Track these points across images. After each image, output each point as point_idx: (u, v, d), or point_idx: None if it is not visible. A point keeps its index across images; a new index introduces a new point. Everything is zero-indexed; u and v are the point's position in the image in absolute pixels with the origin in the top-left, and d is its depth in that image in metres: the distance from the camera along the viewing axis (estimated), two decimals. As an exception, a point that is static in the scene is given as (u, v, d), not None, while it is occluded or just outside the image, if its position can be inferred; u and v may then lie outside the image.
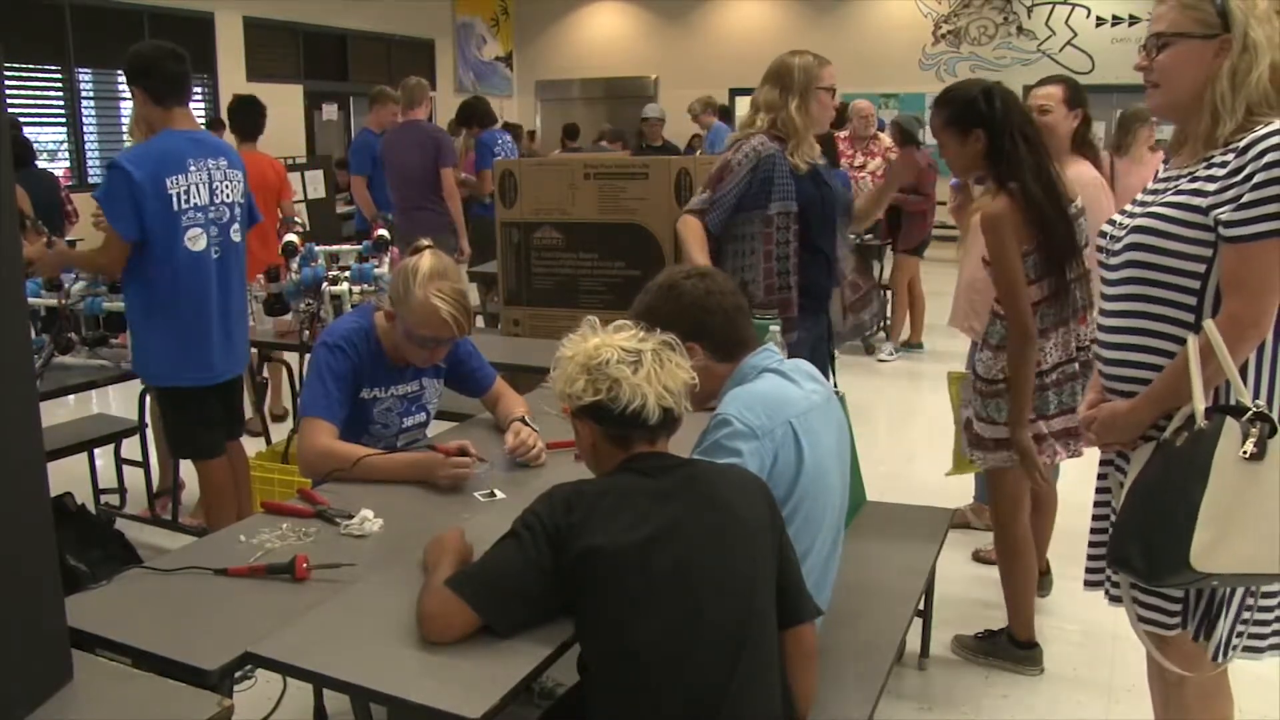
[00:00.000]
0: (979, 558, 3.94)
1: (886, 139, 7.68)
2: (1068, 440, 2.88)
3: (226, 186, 3.49)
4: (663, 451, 1.79)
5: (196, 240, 3.39)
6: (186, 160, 3.36)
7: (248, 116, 5.60)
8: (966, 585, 3.68)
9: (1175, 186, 1.90)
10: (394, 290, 2.57)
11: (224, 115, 6.01)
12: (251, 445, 4.44)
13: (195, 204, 3.38)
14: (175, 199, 3.33)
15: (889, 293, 7.62)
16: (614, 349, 1.76)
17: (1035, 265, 2.76)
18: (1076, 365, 2.86)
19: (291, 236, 4.28)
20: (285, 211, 5.64)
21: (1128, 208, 2.02)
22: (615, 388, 1.73)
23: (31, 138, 8.31)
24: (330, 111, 13.16)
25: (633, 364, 1.75)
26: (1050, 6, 13.36)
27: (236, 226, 3.54)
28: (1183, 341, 1.85)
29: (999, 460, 2.91)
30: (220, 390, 3.59)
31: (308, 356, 2.95)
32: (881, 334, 7.76)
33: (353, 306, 3.94)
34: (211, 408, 3.58)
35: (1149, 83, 1.94)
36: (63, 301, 3.90)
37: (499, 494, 2.42)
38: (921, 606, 3.02)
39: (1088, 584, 2.19)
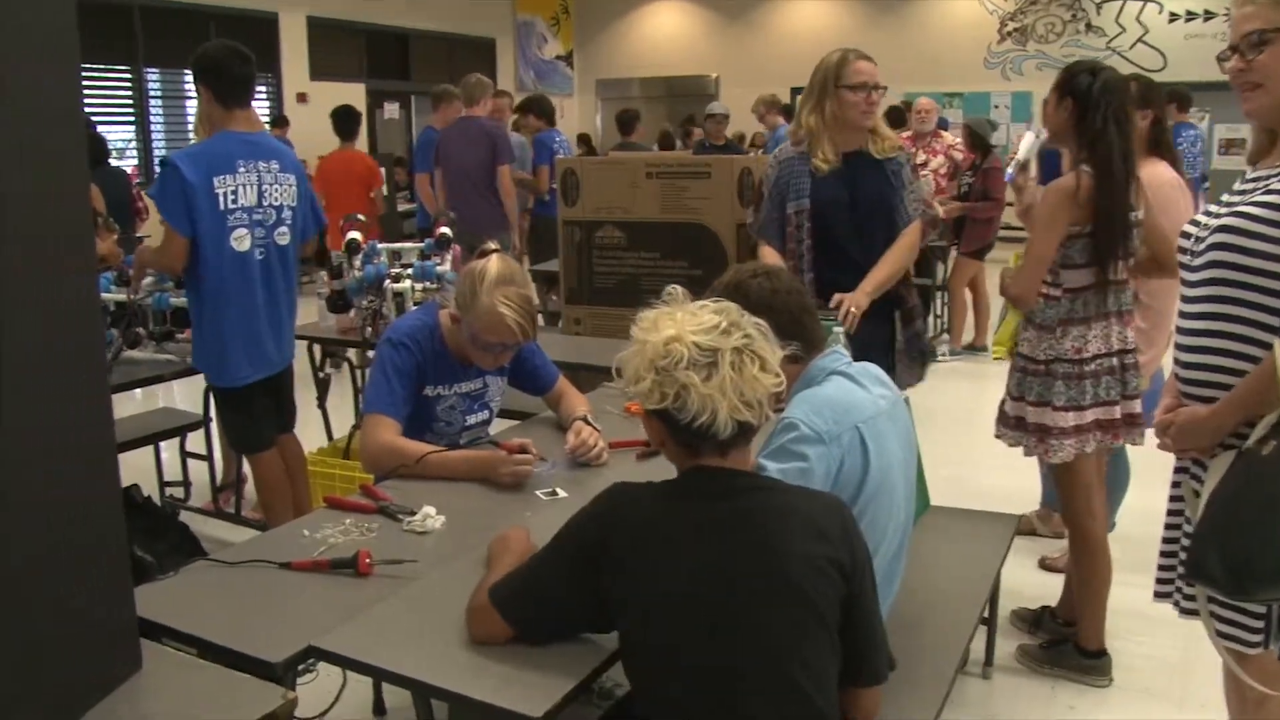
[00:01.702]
0: (1046, 565, 3.87)
1: (949, 137, 7.59)
2: (1102, 432, 2.87)
3: (276, 190, 3.52)
4: (731, 469, 1.65)
5: (241, 240, 3.43)
6: (236, 161, 3.40)
7: (345, 121, 7.36)
8: (1032, 594, 3.62)
9: (1265, 186, 1.85)
10: (460, 294, 2.58)
11: (287, 113, 6.30)
12: (312, 440, 4.51)
13: (242, 205, 3.42)
14: (222, 198, 3.37)
15: (945, 294, 7.56)
16: (687, 347, 1.59)
17: (1085, 250, 2.77)
18: (1115, 361, 2.84)
19: (354, 234, 4.31)
20: (376, 198, 6.43)
21: (1211, 208, 1.97)
22: (683, 395, 1.58)
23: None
24: (392, 110, 13.31)
25: (706, 367, 1.58)
26: (1120, 2, 13.09)
27: (284, 230, 3.56)
28: (1268, 345, 1.79)
29: (1018, 441, 2.93)
30: (267, 385, 3.63)
31: (369, 353, 2.98)
32: (944, 334, 7.67)
33: (415, 304, 3.98)
34: (258, 402, 3.62)
35: (1247, 84, 1.86)
36: (131, 296, 3.97)
37: (561, 493, 2.42)
38: (986, 614, 2.97)
39: (1157, 595, 2.14)
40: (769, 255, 3.34)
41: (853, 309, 3.14)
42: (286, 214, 3.57)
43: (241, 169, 3.41)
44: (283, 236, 3.56)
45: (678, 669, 1.56)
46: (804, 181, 3.30)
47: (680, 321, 1.63)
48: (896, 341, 3.40)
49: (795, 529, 1.58)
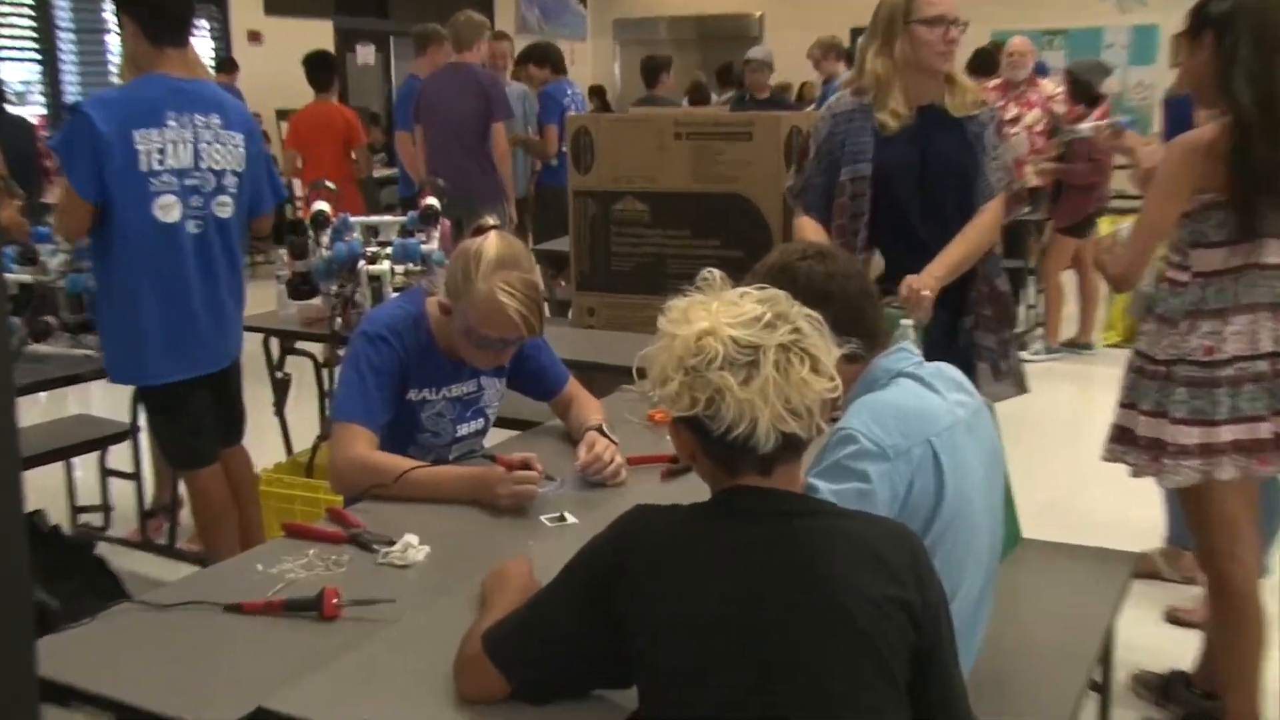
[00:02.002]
0: (1175, 618, 3.77)
1: (1049, 85, 7.53)
2: (1247, 456, 2.78)
3: (217, 150, 3.48)
4: (775, 489, 1.65)
5: (169, 210, 3.39)
6: (164, 113, 3.35)
7: (319, 69, 7.48)
8: (1158, 653, 3.55)
9: None
10: (451, 279, 2.59)
11: (236, 56, 6.33)
12: (268, 454, 4.54)
13: (170, 166, 3.38)
14: (144, 157, 3.31)
15: (1034, 280, 7.53)
16: (723, 342, 1.58)
17: (1223, 224, 2.70)
18: (1265, 365, 2.76)
19: (322, 204, 4.33)
20: (359, 157, 6.46)
21: None
22: (717, 401, 1.58)
23: (-3, 75, 8.33)
24: (366, 54, 13.38)
25: (745, 367, 1.57)
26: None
27: (226, 200, 3.53)
28: None
29: (1123, 456, 2.87)
30: (208, 385, 3.62)
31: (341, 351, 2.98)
32: (1039, 329, 7.64)
33: (396, 290, 4.01)
34: (196, 407, 3.62)
35: None
36: (39, 278, 3.96)
37: (570, 518, 2.43)
38: (1098, 677, 2.93)
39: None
40: (807, 229, 3.35)
41: (923, 291, 3.14)
42: (230, 180, 3.53)
43: (172, 123, 3.37)
44: (223, 208, 3.53)
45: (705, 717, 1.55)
46: (865, 141, 3.30)
47: (715, 312, 1.63)
48: (974, 346, 3.41)
49: (852, 558, 1.58)
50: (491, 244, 2.56)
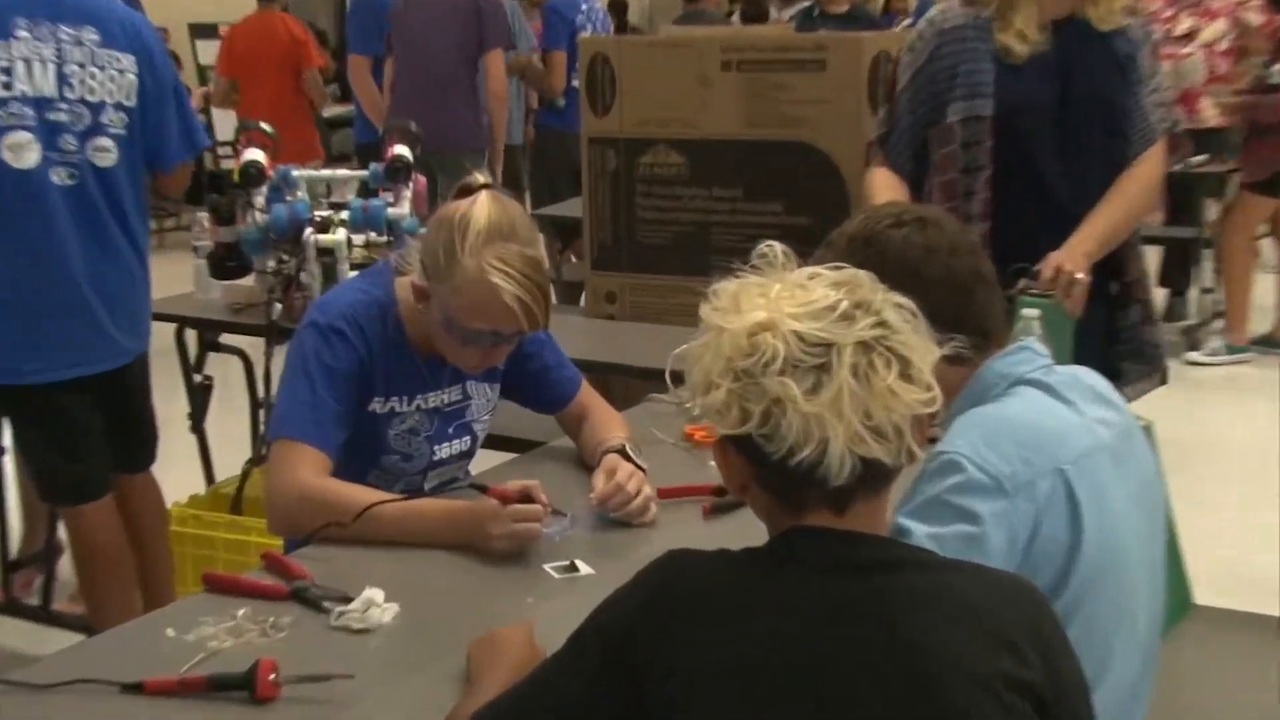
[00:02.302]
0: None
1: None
2: None
3: (93, 75, 3.47)
4: (851, 532, 1.63)
5: (21, 151, 3.39)
6: (11, 20, 3.35)
7: None
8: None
9: None
10: (429, 255, 2.59)
11: None
12: (182, 484, 4.53)
13: (22, 92, 3.37)
14: None
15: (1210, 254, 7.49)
16: (784, 339, 1.56)
17: None
18: None
19: (254, 152, 4.29)
20: (312, 86, 6.41)
21: None
22: (775, 415, 1.55)
23: None
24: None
25: (813, 371, 1.55)
26: None
27: (105, 143, 3.52)
28: None
29: None
30: (97, 390, 3.61)
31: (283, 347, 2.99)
32: (1216, 320, 7.58)
33: (355, 269, 3.99)
34: (80, 420, 3.60)
35: None
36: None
37: (583, 568, 2.42)
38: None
39: None
40: (880, 185, 3.33)
41: (1076, 274, 3.07)
42: (110, 116, 3.52)
43: (23, 33, 3.38)
44: (103, 154, 3.53)
45: None
46: (984, 71, 3.28)
47: (775, 299, 1.61)
48: (1126, 332, 3.42)
49: (952, 622, 1.55)
50: (482, 209, 2.54)
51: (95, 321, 3.55)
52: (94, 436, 3.66)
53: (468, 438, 2.86)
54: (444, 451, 2.81)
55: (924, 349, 1.62)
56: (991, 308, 2.13)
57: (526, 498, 2.48)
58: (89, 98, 3.48)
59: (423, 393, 2.74)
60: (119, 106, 3.54)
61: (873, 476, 1.59)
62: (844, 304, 1.60)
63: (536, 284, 2.53)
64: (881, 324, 1.60)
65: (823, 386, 1.54)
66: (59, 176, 3.45)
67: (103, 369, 3.60)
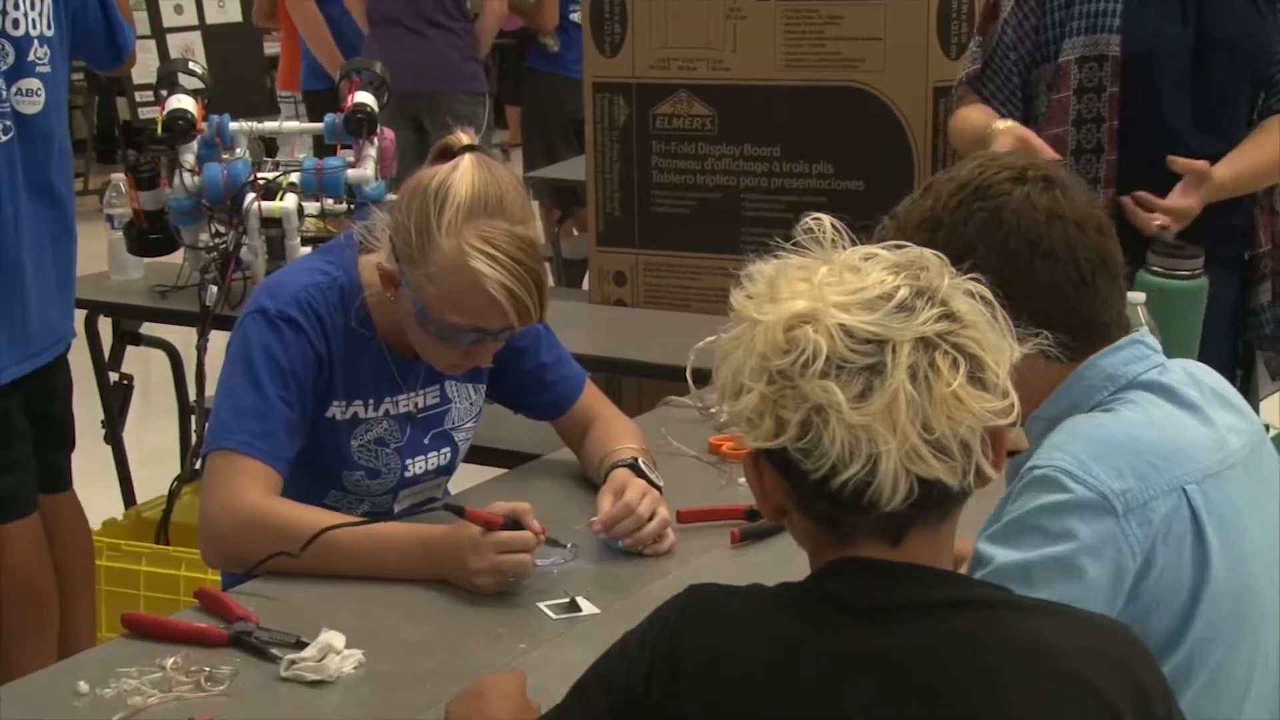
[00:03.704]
0: None
1: None
2: None
3: (14, 6, 3.34)
4: (911, 565, 1.57)
5: None
6: None
7: None
8: None
9: None
10: (400, 231, 2.50)
11: None
12: (97, 506, 4.38)
13: None
14: None
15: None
16: (829, 334, 1.49)
17: None
18: None
19: (182, 99, 4.14)
20: None
21: None
22: (816, 425, 1.49)
23: None
24: None
25: (863, 374, 1.48)
26: None
27: (34, 85, 3.42)
28: None
29: None
30: (23, 392, 3.52)
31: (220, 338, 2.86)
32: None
33: (307, 244, 3.93)
34: (6, 423, 3.50)
35: None
36: None
37: (586, 607, 2.38)
38: None
39: None
40: (974, 121, 3.26)
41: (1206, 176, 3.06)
42: (36, 52, 3.42)
43: None
44: (30, 101, 3.42)
45: None
46: (1105, 2, 3.20)
47: (820, 284, 1.55)
48: (1255, 315, 3.38)
49: (1042, 681, 1.50)
50: (464, 177, 2.45)
51: (33, 306, 3.46)
52: (19, 444, 3.56)
53: (447, 449, 2.80)
54: (418, 466, 2.75)
55: (1001, 347, 1.56)
56: (1110, 303, 2.04)
57: (514, 524, 2.39)
58: (10, 31, 3.38)
59: (392, 395, 2.68)
60: (40, 38, 3.45)
61: (933, 501, 1.52)
62: (903, 291, 1.53)
63: (529, 270, 2.46)
64: (948, 315, 1.53)
65: (873, 392, 1.48)
66: None
67: (40, 363, 3.53)
